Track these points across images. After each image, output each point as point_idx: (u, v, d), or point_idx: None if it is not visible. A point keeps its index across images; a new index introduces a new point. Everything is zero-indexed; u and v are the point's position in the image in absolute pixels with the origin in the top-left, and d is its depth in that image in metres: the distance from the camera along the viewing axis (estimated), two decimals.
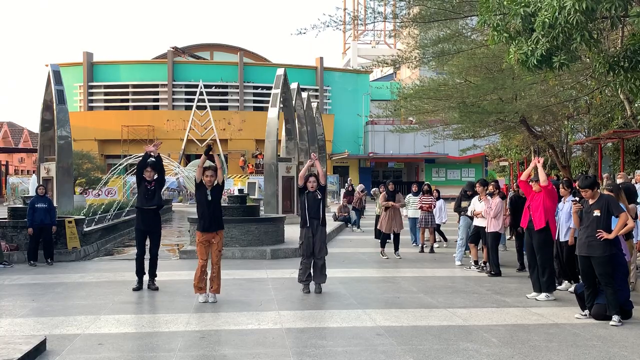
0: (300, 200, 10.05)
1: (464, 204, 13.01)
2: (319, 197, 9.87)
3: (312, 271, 9.75)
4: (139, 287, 9.87)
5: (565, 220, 9.65)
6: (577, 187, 8.48)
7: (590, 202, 7.91)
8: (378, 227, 14.08)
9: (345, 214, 22.75)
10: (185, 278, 10.68)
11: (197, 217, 9.21)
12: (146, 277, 10.04)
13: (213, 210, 8.96)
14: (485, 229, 11.54)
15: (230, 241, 13.89)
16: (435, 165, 52.84)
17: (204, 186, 9.02)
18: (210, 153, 9.12)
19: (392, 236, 14.07)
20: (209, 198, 8.96)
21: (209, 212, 8.92)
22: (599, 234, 7.64)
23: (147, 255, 10.05)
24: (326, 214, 10.73)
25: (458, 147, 39.72)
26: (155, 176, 9.94)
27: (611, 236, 7.63)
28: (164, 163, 10.44)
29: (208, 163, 9.14)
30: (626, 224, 7.70)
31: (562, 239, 9.78)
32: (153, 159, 9.96)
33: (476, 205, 12.01)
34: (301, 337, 6.99)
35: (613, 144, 21.55)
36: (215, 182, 9.06)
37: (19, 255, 13.10)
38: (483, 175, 49.01)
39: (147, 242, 10.14)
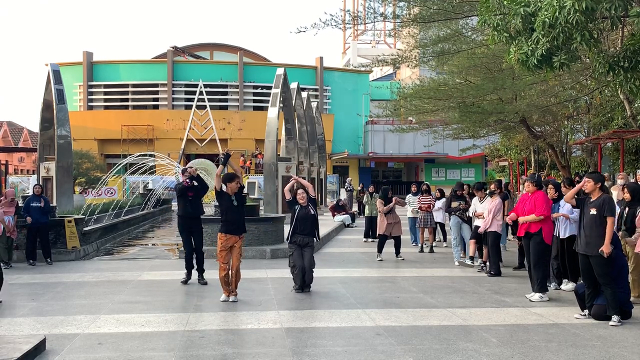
0: (291, 214, 9.85)
1: (454, 204, 13.06)
2: (312, 212, 9.66)
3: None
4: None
5: (565, 219, 9.68)
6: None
7: (591, 199, 7.92)
8: (378, 232, 13.87)
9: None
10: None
11: (219, 219, 9.22)
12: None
13: (239, 214, 9.11)
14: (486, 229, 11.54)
15: None
16: (435, 165, 52.80)
17: (227, 193, 9.11)
18: (229, 155, 9.33)
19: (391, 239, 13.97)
20: (235, 203, 9.06)
21: (237, 216, 9.05)
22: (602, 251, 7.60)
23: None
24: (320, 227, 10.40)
25: (458, 147, 39.68)
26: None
27: (606, 249, 7.56)
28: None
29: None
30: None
31: (562, 236, 9.79)
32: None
33: (477, 206, 12.05)
34: (301, 337, 6.99)
35: (613, 144, 21.55)
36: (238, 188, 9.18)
37: (18, 254, 13.08)
38: (483, 175, 49.00)
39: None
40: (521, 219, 9.14)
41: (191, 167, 10.73)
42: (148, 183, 35.74)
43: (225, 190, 9.16)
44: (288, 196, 9.69)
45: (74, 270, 12.02)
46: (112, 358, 6.20)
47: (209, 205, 20.94)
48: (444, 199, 15.70)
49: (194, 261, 10.58)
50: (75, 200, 20.79)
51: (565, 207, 9.71)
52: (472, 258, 12.25)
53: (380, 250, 13.66)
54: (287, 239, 9.81)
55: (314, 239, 9.83)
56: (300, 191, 9.65)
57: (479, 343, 6.72)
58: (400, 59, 18.19)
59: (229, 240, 8.94)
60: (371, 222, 17.63)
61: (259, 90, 49.57)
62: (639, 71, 8.24)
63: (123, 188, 36.61)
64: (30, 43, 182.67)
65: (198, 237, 10.69)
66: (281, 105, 22.94)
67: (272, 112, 22.02)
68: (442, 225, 16.30)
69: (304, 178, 23.94)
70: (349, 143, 50.70)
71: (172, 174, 35.58)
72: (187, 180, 10.48)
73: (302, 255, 9.58)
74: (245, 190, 18.32)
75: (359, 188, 30.07)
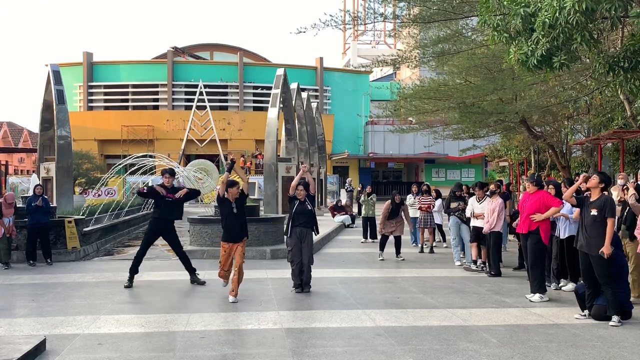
0: (289, 209, 10.06)
1: (453, 204, 13.07)
2: (309, 207, 9.87)
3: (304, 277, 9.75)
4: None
5: (564, 219, 9.68)
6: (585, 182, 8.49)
7: (592, 199, 7.91)
8: (378, 231, 13.91)
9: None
10: (184, 278, 10.68)
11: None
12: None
13: (239, 221, 9.26)
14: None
15: None
16: (435, 165, 52.80)
17: (228, 200, 9.25)
18: (233, 163, 9.51)
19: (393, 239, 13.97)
20: (235, 211, 9.24)
21: (236, 224, 9.21)
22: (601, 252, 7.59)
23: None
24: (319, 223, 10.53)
25: (458, 147, 39.66)
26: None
27: (606, 250, 7.57)
28: (163, 162, 10.62)
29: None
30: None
31: (562, 236, 9.78)
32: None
33: (475, 206, 12.01)
34: (301, 337, 6.99)
35: (613, 144, 21.55)
36: (239, 195, 9.32)
37: (18, 255, 13.08)
38: (483, 176, 48.97)
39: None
40: (539, 217, 9.01)
41: (169, 177, 10.50)
42: (148, 183, 35.69)
43: (226, 196, 9.30)
44: (292, 192, 9.87)
45: (74, 271, 12.02)
46: (112, 358, 6.20)
47: (209, 206, 20.92)
48: (440, 200, 15.71)
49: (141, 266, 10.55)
50: (75, 200, 20.77)
51: (565, 207, 9.71)
52: (475, 262, 12.21)
53: (382, 248, 13.73)
54: (286, 233, 9.95)
55: (312, 231, 9.98)
56: (299, 187, 9.88)
57: (479, 343, 6.72)
58: (400, 59, 18.18)
59: (229, 246, 9.16)
60: (368, 223, 17.65)
61: (259, 91, 49.58)
62: (639, 71, 8.24)
63: (123, 188, 36.58)
64: (30, 43, 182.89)
65: (174, 239, 10.62)
66: (281, 105, 22.93)
67: (272, 112, 22.01)
68: (440, 226, 16.28)
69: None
70: (349, 143, 50.70)
71: None
72: (164, 190, 10.30)
73: (301, 251, 9.70)
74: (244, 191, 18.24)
75: (359, 188, 30.09)
